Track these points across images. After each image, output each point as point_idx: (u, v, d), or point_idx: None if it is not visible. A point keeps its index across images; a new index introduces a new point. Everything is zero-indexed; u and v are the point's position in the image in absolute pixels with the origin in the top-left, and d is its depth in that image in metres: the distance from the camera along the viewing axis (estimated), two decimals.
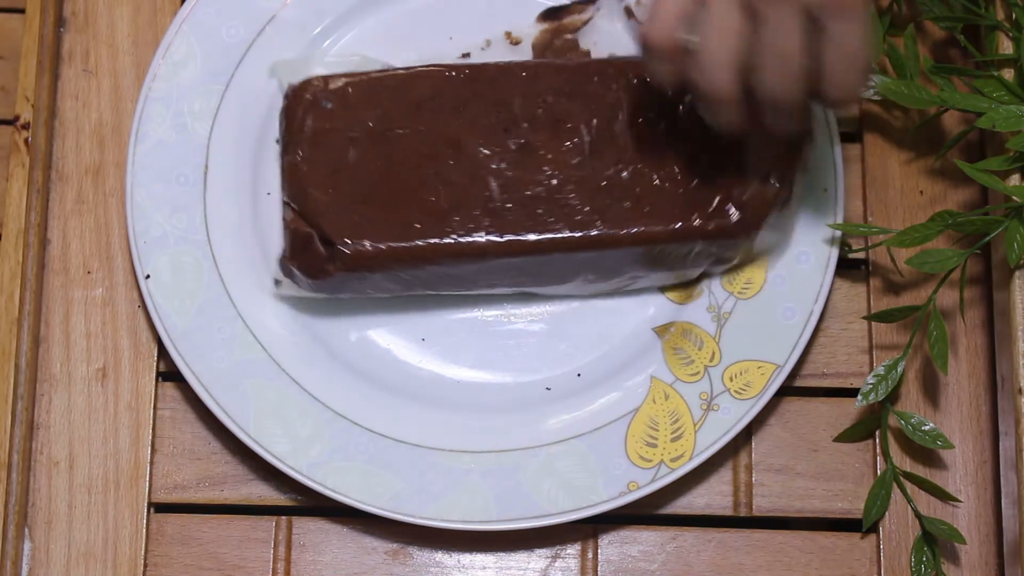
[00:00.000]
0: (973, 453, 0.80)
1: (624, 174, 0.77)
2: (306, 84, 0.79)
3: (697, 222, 0.76)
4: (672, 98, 0.78)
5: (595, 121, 0.78)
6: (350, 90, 0.79)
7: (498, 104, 0.79)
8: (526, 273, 0.78)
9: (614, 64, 0.80)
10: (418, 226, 0.76)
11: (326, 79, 0.79)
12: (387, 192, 0.77)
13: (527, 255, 0.76)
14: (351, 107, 0.79)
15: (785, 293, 0.80)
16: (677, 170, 0.77)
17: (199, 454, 0.80)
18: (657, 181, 0.77)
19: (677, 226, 0.76)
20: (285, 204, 0.78)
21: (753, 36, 0.69)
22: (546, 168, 0.77)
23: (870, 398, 0.78)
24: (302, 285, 0.78)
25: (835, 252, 0.80)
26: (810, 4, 0.68)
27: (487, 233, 0.76)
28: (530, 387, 0.80)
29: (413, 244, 0.76)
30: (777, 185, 0.77)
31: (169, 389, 0.81)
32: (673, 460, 0.77)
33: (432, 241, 0.76)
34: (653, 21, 0.70)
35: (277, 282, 0.79)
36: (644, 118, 0.78)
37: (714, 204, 0.77)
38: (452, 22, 0.84)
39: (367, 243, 0.76)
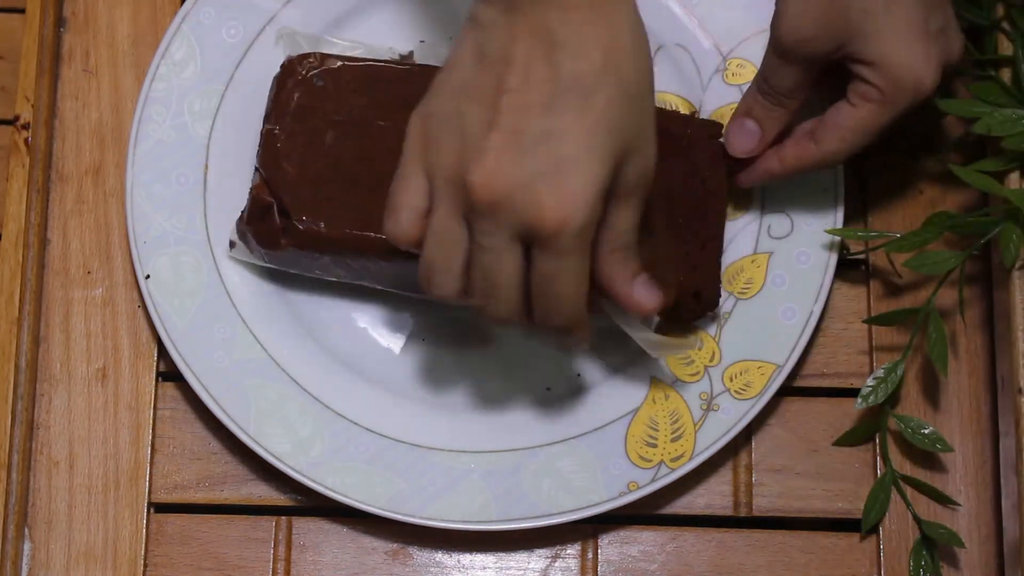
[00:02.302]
0: (973, 454, 0.80)
1: None
2: (302, 58, 0.79)
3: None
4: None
5: None
6: (345, 74, 0.79)
7: None
8: None
9: None
10: (376, 219, 0.75)
11: (323, 57, 0.79)
12: (354, 180, 0.76)
13: None
14: (342, 90, 0.78)
15: (785, 293, 0.80)
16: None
17: (199, 454, 0.80)
18: None
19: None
20: (256, 170, 0.78)
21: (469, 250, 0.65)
22: None
23: (870, 400, 0.78)
24: (255, 252, 0.78)
25: (835, 252, 0.80)
26: (518, 227, 0.63)
27: None
28: (530, 387, 0.80)
29: (367, 235, 0.75)
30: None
31: (169, 389, 0.81)
32: (673, 460, 0.77)
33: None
34: (389, 217, 0.67)
35: (232, 244, 0.79)
36: None
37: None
38: (452, 23, 0.84)
39: (322, 224, 0.76)
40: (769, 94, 0.75)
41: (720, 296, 0.78)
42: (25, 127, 0.82)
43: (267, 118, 0.78)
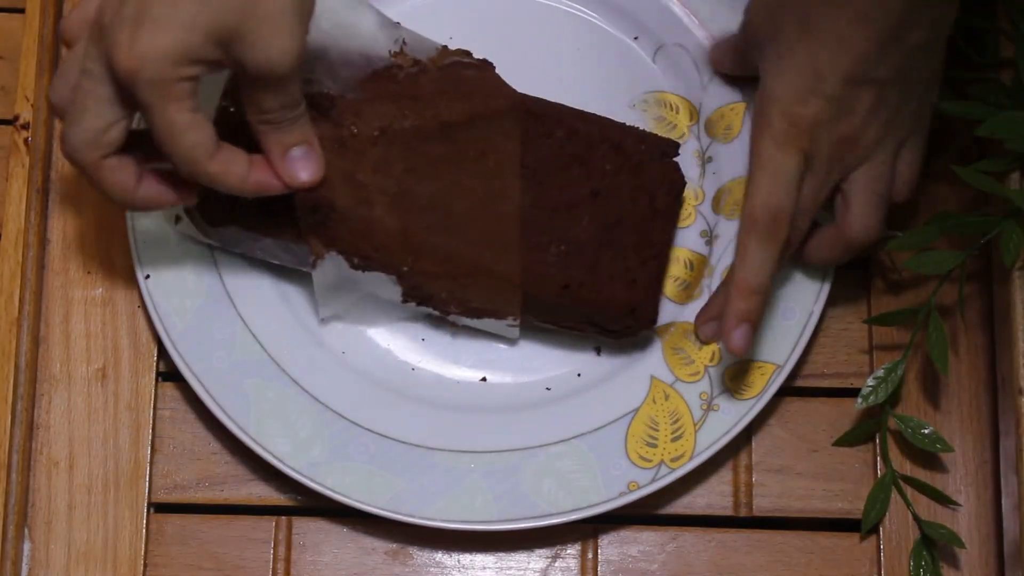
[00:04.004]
0: (973, 453, 0.80)
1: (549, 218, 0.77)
2: None
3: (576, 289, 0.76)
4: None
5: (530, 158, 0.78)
6: None
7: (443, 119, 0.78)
8: None
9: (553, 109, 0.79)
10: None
11: None
12: None
13: None
14: None
15: (785, 293, 0.80)
16: (585, 235, 0.77)
17: (199, 454, 0.80)
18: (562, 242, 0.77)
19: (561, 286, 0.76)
20: None
21: None
22: (471, 188, 0.76)
23: (870, 400, 0.78)
24: (201, 229, 0.77)
25: None
26: (106, 61, 0.67)
27: None
28: (530, 387, 0.80)
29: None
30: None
31: (169, 389, 0.81)
32: (673, 460, 0.77)
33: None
34: (71, 13, 0.71)
35: (177, 218, 0.79)
36: (576, 170, 0.78)
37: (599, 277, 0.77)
38: (451, 24, 0.84)
39: (266, 202, 0.74)
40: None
41: (657, 314, 0.78)
42: (25, 127, 0.82)
43: (224, 95, 0.78)
